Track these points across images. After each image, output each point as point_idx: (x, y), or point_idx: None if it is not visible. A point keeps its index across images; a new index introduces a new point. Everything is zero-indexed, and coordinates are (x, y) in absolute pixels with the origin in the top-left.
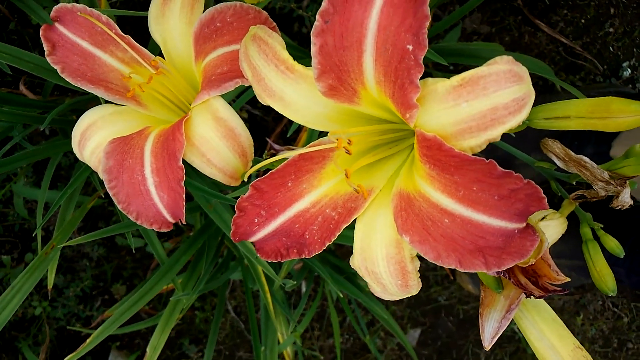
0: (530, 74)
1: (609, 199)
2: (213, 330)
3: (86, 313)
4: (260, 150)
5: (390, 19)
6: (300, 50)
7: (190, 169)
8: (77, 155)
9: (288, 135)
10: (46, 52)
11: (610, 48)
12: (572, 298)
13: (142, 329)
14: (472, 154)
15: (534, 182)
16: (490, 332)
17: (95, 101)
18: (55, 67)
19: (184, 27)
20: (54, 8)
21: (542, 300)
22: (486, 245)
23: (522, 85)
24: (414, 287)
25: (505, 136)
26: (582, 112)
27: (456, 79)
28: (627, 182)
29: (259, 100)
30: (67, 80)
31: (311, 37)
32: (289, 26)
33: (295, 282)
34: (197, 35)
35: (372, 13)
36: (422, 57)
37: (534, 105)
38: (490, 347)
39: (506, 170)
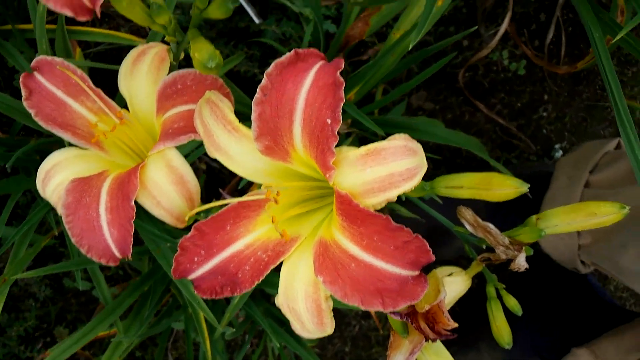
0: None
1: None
2: None
3: (26, 354)
4: (216, 199)
5: (315, 97)
6: None
7: (143, 215)
8: (40, 192)
9: (239, 187)
10: (23, 97)
11: (544, 130)
12: None
13: None
14: (375, 210)
15: (421, 237)
16: None
17: (59, 144)
18: (29, 111)
19: (150, 86)
20: (35, 59)
21: (442, 347)
22: (384, 287)
23: (416, 158)
24: (329, 325)
25: (434, 203)
26: (472, 184)
27: (363, 148)
28: (524, 247)
29: (208, 154)
30: (39, 123)
31: (252, 106)
32: (252, 88)
33: (234, 330)
34: (161, 93)
35: (302, 91)
36: (337, 129)
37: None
38: None
39: (399, 225)
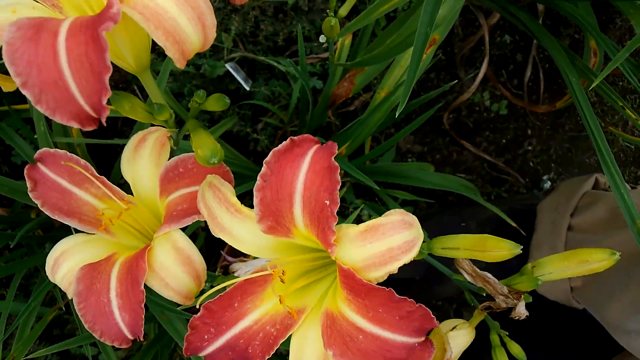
0: None
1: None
2: None
3: None
4: (217, 256)
5: (313, 181)
6: (252, 170)
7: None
8: (50, 277)
9: None
10: (29, 189)
11: (530, 163)
12: None
13: None
14: (377, 283)
15: (424, 306)
16: None
17: None
18: (36, 202)
19: (152, 169)
20: (38, 151)
21: None
22: (392, 357)
23: (412, 230)
24: None
25: None
26: (467, 246)
27: (363, 225)
28: (522, 296)
29: (212, 234)
30: (46, 213)
31: (254, 192)
32: (245, 146)
33: None
34: (163, 177)
35: (299, 176)
36: (336, 210)
37: (468, 213)
38: None
39: (402, 297)
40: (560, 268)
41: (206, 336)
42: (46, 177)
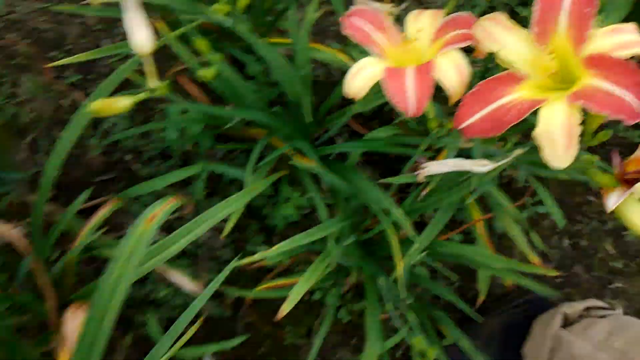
0: None
1: None
2: None
3: None
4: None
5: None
6: None
7: None
8: (346, 86)
9: None
10: (344, 28)
11: None
12: None
13: None
14: None
15: None
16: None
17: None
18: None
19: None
20: (351, 8)
21: None
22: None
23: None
24: (574, 149)
25: None
26: None
27: (609, 27)
28: None
29: (483, 49)
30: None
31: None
32: None
33: None
34: (440, 29)
35: None
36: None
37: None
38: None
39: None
40: None
41: (469, 111)
42: (354, 25)
